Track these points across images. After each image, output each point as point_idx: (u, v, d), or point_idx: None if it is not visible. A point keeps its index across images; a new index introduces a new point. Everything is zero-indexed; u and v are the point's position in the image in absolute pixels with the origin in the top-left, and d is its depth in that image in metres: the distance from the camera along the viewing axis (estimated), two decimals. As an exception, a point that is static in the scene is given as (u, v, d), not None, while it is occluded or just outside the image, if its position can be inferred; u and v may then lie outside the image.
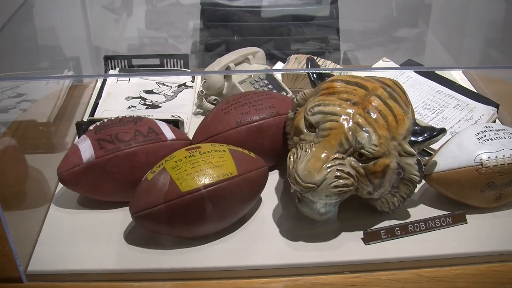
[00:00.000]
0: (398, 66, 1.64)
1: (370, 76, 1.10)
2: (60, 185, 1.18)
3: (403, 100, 1.05)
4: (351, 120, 0.98)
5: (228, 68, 1.45)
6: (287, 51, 2.13)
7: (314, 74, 1.13)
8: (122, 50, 2.42)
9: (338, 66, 1.55)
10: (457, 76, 1.71)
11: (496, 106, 1.42)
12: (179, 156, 1.03)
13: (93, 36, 2.15)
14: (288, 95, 1.42)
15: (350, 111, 0.99)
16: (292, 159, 0.99)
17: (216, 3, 2.18)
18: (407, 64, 1.65)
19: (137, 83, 1.60)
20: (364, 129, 0.97)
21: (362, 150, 0.97)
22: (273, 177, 1.23)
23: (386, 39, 2.52)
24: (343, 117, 0.98)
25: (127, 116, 1.17)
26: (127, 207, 1.04)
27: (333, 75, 1.13)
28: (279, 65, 1.65)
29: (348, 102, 1.01)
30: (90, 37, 2.15)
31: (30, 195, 1.24)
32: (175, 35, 2.47)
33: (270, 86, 1.45)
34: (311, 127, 1.02)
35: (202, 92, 1.44)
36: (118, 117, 1.17)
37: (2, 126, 1.42)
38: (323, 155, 0.97)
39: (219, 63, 1.44)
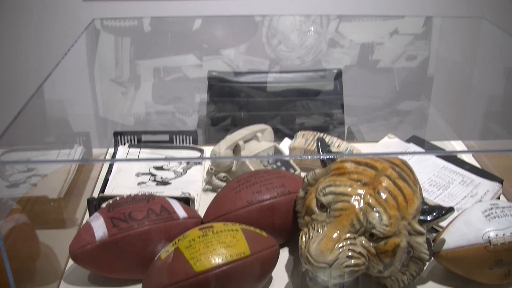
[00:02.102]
0: (403, 142, 1.67)
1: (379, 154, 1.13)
2: (71, 261, 1.18)
3: (412, 179, 1.07)
4: (362, 200, 1.00)
5: (237, 145, 1.47)
6: (292, 126, 2.16)
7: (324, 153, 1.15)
8: (130, 123, 2.46)
9: (345, 143, 1.58)
10: (459, 148, 1.74)
11: (500, 181, 1.44)
12: (192, 235, 1.04)
13: (101, 109, 2.19)
14: (296, 172, 1.44)
15: (360, 191, 1.01)
16: (304, 239, 1.01)
17: (223, 79, 2.23)
18: (412, 140, 1.68)
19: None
20: (374, 209, 0.99)
21: (373, 230, 0.98)
22: (283, 254, 1.23)
23: (389, 112, 2.56)
24: (354, 197, 1.00)
25: (140, 194, 1.19)
26: (139, 285, 1.04)
27: (342, 153, 1.16)
28: (286, 141, 1.68)
29: (359, 183, 1.03)
30: (98, 110, 2.18)
31: (40, 271, 1.24)
32: (182, 108, 2.51)
33: (279, 163, 1.47)
34: (322, 207, 1.03)
35: (211, 169, 1.46)
36: (130, 195, 1.19)
37: (12, 201, 1.43)
38: (334, 235, 0.98)
39: (228, 141, 1.47)
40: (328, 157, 1.16)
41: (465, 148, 1.76)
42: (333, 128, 2.26)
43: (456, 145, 1.78)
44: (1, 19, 2.57)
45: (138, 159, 1.65)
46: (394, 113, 2.56)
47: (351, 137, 2.23)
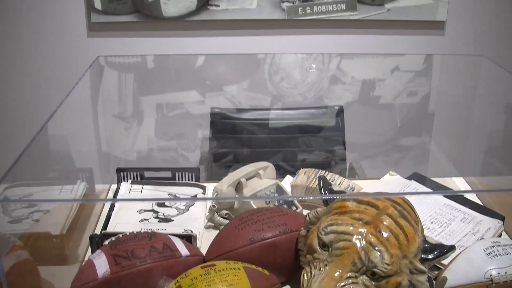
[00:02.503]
0: (405, 179, 1.68)
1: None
2: (73, 298, 1.18)
3: (413, 218, 1.08)
4: (363, 239, 1.00)
5: (239, 183, 1.48)
6: (294, 163, 2.17)
7: (326, 192, 1.16)
8: (133, 159, 2.47)
9: (346, 180, 1.59)
10: (461, 185, 1.75)
11: (502, 219, 1.45)
12: (194, 274, 1.04)
13: (104, 144, 2.20)
14: (298, 210, 1.45)
15: (362, 230, 1.02)
16: (306, 278, 1.01)
17: (225, 115, 2.25)
18: (413, 177, 1.69)
19: (149, 195, 1.63)
20: (376, 248, 0.99)
21: (375, 269, 0.99)
22: (285, 292, 1.24)
23: (391, 148, 2.57)
24: (355, 236, 1.01)
25: (142, 231, 1.20)
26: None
27: (344, 192, 1.17)
28: (288, 178, 1.69)
29: (360, 222, 1.03)
30: (101, 145, 2.20)
31: (42, 308, 1.24)
32: (184, 144, 2.53)
33: (281, 201, 1.48)
34: (324, 246, 1.04)
35: (213, 206, 1.47)
36: (133, 232, 1.20)
37: (14, 237, 1.44)
38: (336, 274, 0.99)
39: (230, 178, 1.48)
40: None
41: (466, 185, 1.77)
42: (335, 165, 2.27)
43: (457, 182, 1.79)
44: (7, 54, 2.60)
45: (141, 199, 1.66)
46: (395, 149, 2.57)
47: (352, 174, 2.24)
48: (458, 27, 2.68)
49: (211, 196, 1.54)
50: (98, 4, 2.48)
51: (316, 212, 1.13)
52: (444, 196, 1.55)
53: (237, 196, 1.49)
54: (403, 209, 1.08)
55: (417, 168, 1.75)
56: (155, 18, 2.49)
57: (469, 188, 1.74)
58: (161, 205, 1.57)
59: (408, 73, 2.47)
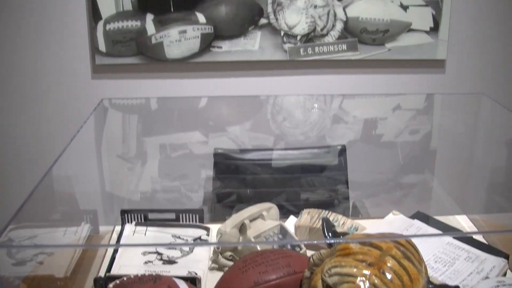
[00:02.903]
0: (408, 218, 1.68)
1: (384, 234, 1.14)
2: None
3: (417, 258, 1.08)
4: (367, 281, 1.01)
5: (243, 224, 1.49)
6: (297, 202, 2.18)
7: (330, 234, 1.17)
8: (136, 199, 2.48)
9: (350, 220, 1.59)
10: (464, 223, 1.75)
11: (506, 257, 1.45)
12: (199, 317, 1.05)
13: (108, 185, 2.21)
14: (302, 251, 1.45)
15: (366, 272, 1.02)
16: (310, 320, 1.01)
17: (228, 156, 2.26)
18: (416, 216, 1.69)
19: (153, 236, 1.64)
20: (380, 290, 1.00)
21: (379, 311, 0.99)
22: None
23: (394, 186, 2.58)
24: (359, 278, 1.01)
25: (146, 274, 1.20)
26: None
27: (348, 233, 1.17)
28: (291, 219, 1.69)
29: (364, 263, 1.04)
30: (105, 186, 2.21)
31: None
32: (188, 185, 2.54)
33: (283, 239, 1.48)
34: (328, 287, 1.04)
35: (218, 248, 1.47)
36: (137, 275, 1.20)
37: (17, 279, 1.44)
38: (341, 316, 0.99)
39: (234, 220, 1.48)
40: (332, 236, 1.17)
41: (469, 222, 1.77)
42: (338, 204, 2.28)
43: (460, 220, 1.79)
44: (13, 95, 2.62)
45: (145, 244, 1.66)
46: (398, 187, 2.58)
47: (356, 213, 2.24)
48: (458, 66, 2.71)
49: (215, 237, 1.55)
50: (102, 47, 2.52)
51: (320, 253, 1.14)
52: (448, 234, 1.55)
53: (241, 237, 1.50)
54: (406, 250, 1.08)
55: (420, 206, 1.75)
56: (158, 60, 2.52)
57: (472, 226, 1.74)
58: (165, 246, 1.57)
59: (410, 112, 2.49)
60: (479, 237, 1.60)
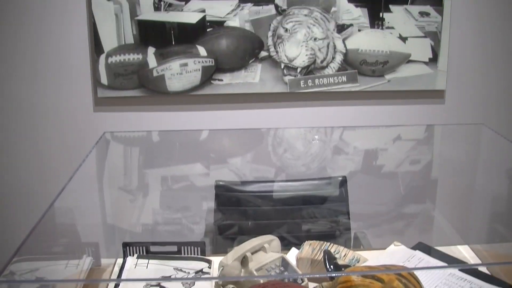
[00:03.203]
0: (410, 249, 1.68)
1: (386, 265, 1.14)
2: None
3: (418, 291, 1.09)
4: (369, 314, 1.01)
5: (245, 257, 1.49)
6: (299, 234, 2.18)
7: (331, 266, 1.17)
8: (138, 231, 2.48)
9: (351, 252, 1.59)
10: (466, 253, 1.75)
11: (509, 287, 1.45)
12: None
13: (110, 217, 2.22)
14: (303, 283, 1.45)
15: (368, 305, 1.02)
16: None
17: (230, 188, 2.27)
18: (418, 247, 1.69)
19: (155, 269, 1.64)
20: (382, 323, 1.00)
21: None
22: None
23: (395, 216, 2.58)
24: (361, 311, 1.01)
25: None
26: None
27: (349, 266, 1.17)
28: (293, 251, 1.70)
29: (366, 296, 1.04)
30: (106, 218, 2.21)
31: None
32: (189, 217, 2.54)
33: (286, 273, 1.48)
34: (330, 321, 1.04)
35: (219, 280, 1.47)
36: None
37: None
38: None
39: (236, 252, 1.48)
40: (334, 268, 1.17)
41: (471, 253, 1.77)
42: (340, 235, 2.27)
43: (462, 250, 1.79)
44: (15, 129, 2.64)
45: (146, 279, 1.66)
46: (399, 217, 2.58)
47: (357, 244, 2.23)
48: (458, 96, 2.73)
49: (217, 269, 1.55)
50: (104, 79, 2.54)
51: (322, 286, 1.14)
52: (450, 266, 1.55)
53: (242, 270, 1.50)
54: (408, 281, 1.09)
55: (421, 236, 1.75)
56: (160, 92, 2.54)
57: (474, 256, 1.74)
58: (167, 278, 1.57)
59: (410, 142, 2.50)
60: (482, 268, 1.60)
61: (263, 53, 2.56)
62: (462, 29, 2.66)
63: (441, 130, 2.62)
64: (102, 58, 2.52)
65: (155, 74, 2.49)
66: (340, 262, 1.23)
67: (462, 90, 2.73)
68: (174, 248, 1.72)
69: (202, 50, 2.49)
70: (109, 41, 2.52)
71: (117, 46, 2.52)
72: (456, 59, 2.68)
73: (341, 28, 2.51)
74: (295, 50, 2.44)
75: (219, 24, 2.53)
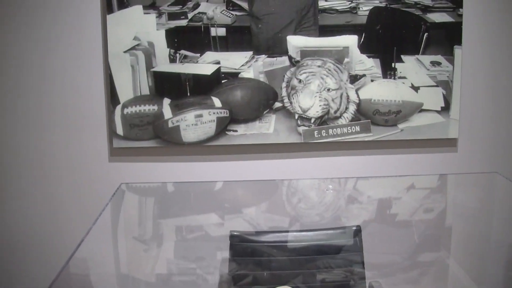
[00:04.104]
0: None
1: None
2: None
3: None
4: None
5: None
6: (313, 284, 2.17)
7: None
8: (152, 280, 2.47)
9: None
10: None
11: None
12: None
13: (124, 266, 2.22)
14: None
15: None
16: None
17: (244, 238, 2.27)
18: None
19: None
20: None
21: None
22: None
23: (410, 265, 2.56)
24: None
25: None
26: None
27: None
28: (309, 304, 1.69)
29: None
30: (120, 268, 2.22)
31: None
32: (204, 267, 2.53)
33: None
34: None
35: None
36: None
37: None
38: None
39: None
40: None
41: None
42: (354, 284, 2.26)
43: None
44: (29, 183, 2.67)
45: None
46: (414, 265, 2.57)
47: (373, 296, 2.22)
48: (471, 144, 2.73)
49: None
50: (120, 130, 2.57)
51: None
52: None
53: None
54: None
55: (437, 285, 1.75)
56: (175, 143, 2.56)
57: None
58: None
59: (424, 191, 2.51)
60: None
61: (277, 104, 2.60)
62: (474, 77, 2.68)
63: (454, 179, 2.63)
64: (118, 109, 2.56)
65: (170, 125, 2.52)
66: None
67: (474, 138, 2.74)
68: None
69: (217, 101, 2.52)
70: (125, 92, 2.56)
71: (133, 97, 2.56)
72: (468, 107, 2.70)
73: (354, 79, 2.55)
74: (309, 100, 2.47)
75: (233, 76, 2.57)
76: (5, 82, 2.60)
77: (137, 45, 2.55)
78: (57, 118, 2.62)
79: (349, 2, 2.62)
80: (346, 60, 2.55)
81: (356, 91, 2.55)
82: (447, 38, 2.66)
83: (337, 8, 2.61)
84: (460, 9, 2.64)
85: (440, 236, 2.56)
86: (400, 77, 2.62)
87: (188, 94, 2.56)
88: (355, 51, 2.57)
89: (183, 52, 2.56)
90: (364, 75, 2.57)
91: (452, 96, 2.65)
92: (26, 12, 2.56)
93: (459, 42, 2.64)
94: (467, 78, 2.67)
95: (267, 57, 2.58)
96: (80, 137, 2.64)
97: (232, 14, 2.58)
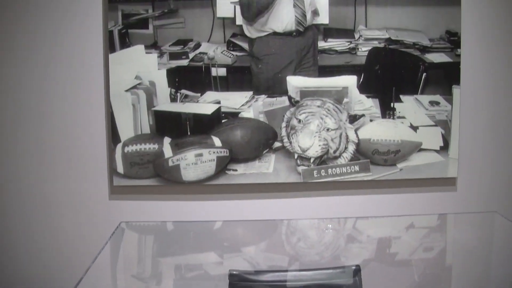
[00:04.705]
0: None
1: None
2: None
3: None
4: None
5: None
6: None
7: None
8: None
9: None
10: None
11: None
12: None
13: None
14: None
15: None
16: None
17: (243, 278, 2.26)
18: None
19: None
20: None
21: None
22: None
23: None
24: None
25: None
26: None
27: None
28: None
29: None
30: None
31: None
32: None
33: None
34: None
35: None
36: None
37: None
38: None
39: None
40: None
41: None
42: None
43: None
44: (28, 222, 2.67)
45: None
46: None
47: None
48: (470, 183, 2.74)
49: None
50: (120, 168, 2.58)
51: None
52: None
53: None
54: None
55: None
56: (175, 182, 2.57)
57: None
58: None
59: (423, 230, 2.51)
60: None
61: (277, 144, 2.62)
62: (472, 117, 2.70)
63: (454, 218, 2.63)
64: (119, 147, 2.58)
65: (170, 164, 2.53)
66: None
67: (474, 177, 2.75)
68: None
69: (217, 141, 2.54)
70: (126, 131, 2.58)
71: (133, 136, 2.58)
72: (466, 146, 2.71)
73: (353, 119, 2.57)
74: (308, 140, 2.48)
75: (234, 115, 2.59)
76: (8, 118, 2.63)
77: (139, 84, 2.58)
78: (58, 155, 2.63)
79: (348, 43, 2.65)
80: (345, 100, 2.57)
81: (355, 131, 2.56)
82: (446, 78, 2.69)
83: (336, 49, 2.64)
84: (458, 50, 2.67)
85: (440, 275, 2.54)
86: (399, 117, 2.64)
87: (189, 133, 2.58)
88: (354, 91, 2.59)
89: (184, 91, 2.59)
90: (363, 115, 2.59)
91: (451, 135, 2.67)
92: (28, 49, 2.59)
93: (457, 81, 2.67)
94: (465, 117, 2.69)
95: (267, 97, 2.60)
96: (80, 174, 2.65)
97: (232, 54, 2.62)
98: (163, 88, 2.58)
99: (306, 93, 2.57)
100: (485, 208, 2.74)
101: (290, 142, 2.52)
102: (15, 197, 2.67)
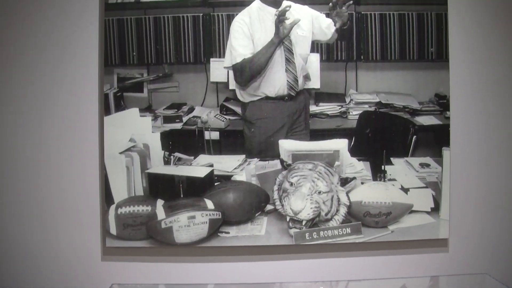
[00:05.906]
0: None
1: None
2: None
3: None
4: None
5: None
6: None
7: None
8: None
9: None
10: None
11: None
12: None
13: None
14: None
15: None
16: None
17: None
18: None
19: None
20: None
21: None
22: None
23: None
24: None
25: None
26: None
27: None
28: None
29: None
30: None
31: None
32: None
33: None
34: None
35: None
36: None
37: None
38: None
39: None
40: None
41: None
42: None
43: None
44: (20, 281, 2.67)
45: None
46: None
47: None
48: (461, 244, 2.75)
49: None
50: (113, 230, 2.59)
51: None
52: None
53: None
54: None
55: None
56: (167, 244, 2.58)
57: None
58: None
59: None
60: None
61: (269, 207, 2.64)
62: (462, 178, 2.73)
63: (446, 280, 2.63)
64: (112, 208, 2.59)
65: (163, 225, 2.54)
66: None
67: (465, 238, 2.76)
68: None
69: (209, 203, 2.56)
70: (119, 192, 2.60)
71: (127, 198, 2.60)
72: (457, 207, 2.73)
73: (344, 181, 2.59)
74: (300, 203, 2.50)
75: (226, 178, 2.62)
76: (2, 181, 2.65)
77: (133, 146, 2.61)
78: (52, 215, 2.65)
79: (339, 107, 2.70)
80: (336, 163, 2.60)
81: (347, 193, 2.59)
82: (436, 140, 2.73)
83: (328, 112, 2.69)
84: (447, 112, 2.72)
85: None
86: (390, 179, 2.68)
87: (182, 195, 2.59)
88: (345, 154, 2.62)
89: (177, 154, 2.62)
90: (354, 178, 2.62)
91: (441, 196, 2.69)
92: (24, 111, 2.63)
93: (447, 144, 2.71)
94: (455, 178, 2.72)
95: (259, 160, 2.64)
96: (73, 235, 2.66)
97: (225, 118, 2.66)
98: (157, 151, 2.61)
99: (298, 157, 2.60)
100: (477, 269, 2.75)
101: (282, 205, 2.54)
102: (4, 256, 2.67)
